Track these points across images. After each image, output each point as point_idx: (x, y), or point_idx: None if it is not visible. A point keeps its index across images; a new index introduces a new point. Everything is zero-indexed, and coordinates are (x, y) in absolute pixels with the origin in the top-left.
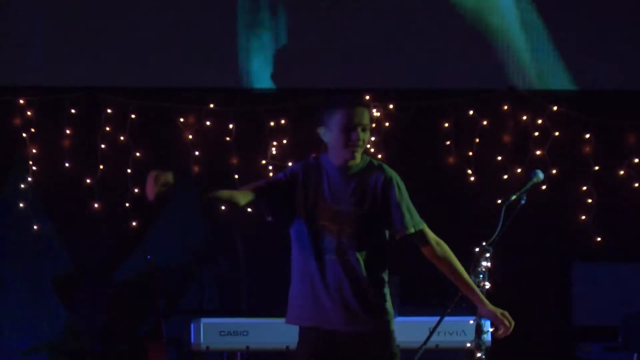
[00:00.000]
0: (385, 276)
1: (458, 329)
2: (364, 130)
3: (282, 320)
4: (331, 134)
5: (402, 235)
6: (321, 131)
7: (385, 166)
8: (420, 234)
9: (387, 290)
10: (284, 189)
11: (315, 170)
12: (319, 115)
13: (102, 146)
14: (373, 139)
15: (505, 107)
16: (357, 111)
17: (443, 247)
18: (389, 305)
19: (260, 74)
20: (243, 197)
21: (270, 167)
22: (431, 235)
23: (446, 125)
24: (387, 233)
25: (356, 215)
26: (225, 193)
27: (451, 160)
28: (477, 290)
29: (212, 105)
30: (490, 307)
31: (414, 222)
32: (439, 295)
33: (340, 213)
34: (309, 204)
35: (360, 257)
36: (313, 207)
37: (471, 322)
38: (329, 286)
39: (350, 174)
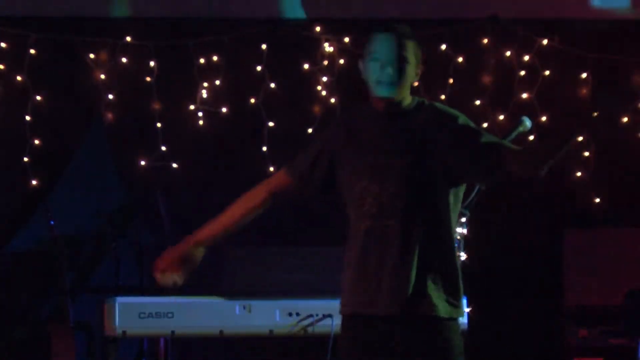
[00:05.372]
0: (447, 248)
1: None
2: (402, 63)
3: (214, 299)
4: (364, 69)
5: (490, 181)
6: (360, 66)
7: (441, 105)
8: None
9: (447, 268)
10: (325, 163)
11: (356, 117)
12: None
13: None
14: (325, 79)
15: (485, 41)
16: (391, 39)
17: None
18: (447, 285)
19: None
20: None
21: (200, 114)
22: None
23: None
24: (452, 191)
25: (399, 169)
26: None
27: None
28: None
29: (129, 39)
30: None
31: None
32: None
33: (380, 167)
34: (352, 161)
35: (407, 223)
36: (353, 165)
37: None
38: (369, 261)
39: (393, 118)
